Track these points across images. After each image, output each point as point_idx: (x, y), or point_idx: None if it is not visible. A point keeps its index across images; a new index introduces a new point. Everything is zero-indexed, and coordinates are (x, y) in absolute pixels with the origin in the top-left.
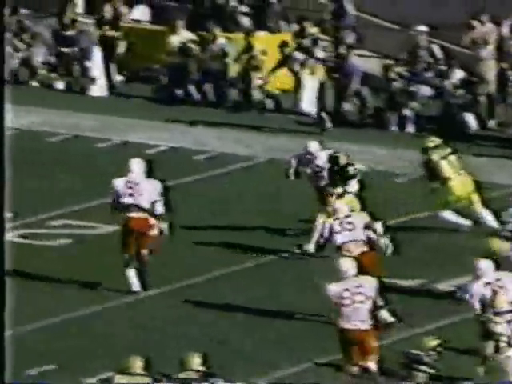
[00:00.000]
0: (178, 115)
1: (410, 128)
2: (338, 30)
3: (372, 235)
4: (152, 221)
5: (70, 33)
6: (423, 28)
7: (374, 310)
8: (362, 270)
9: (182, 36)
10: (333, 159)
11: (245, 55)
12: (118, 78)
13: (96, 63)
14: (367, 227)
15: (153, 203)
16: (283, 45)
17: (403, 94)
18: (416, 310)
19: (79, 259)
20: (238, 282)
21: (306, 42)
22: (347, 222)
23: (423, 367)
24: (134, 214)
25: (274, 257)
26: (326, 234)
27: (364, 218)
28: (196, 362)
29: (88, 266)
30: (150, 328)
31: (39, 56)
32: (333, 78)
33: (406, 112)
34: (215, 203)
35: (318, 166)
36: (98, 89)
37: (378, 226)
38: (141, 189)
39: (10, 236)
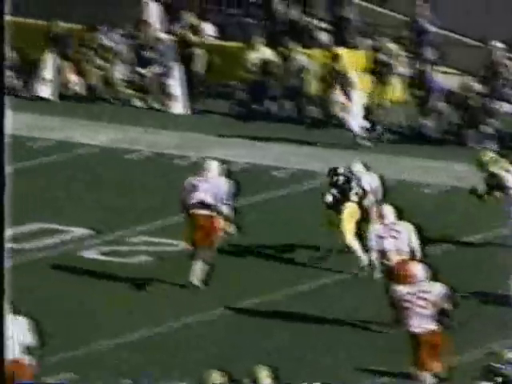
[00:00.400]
0: (256, 132)
1: (491, 145)
2: (418, 46)
3: (415, 247)
4: (217, 219)
5: (149, 50)
6: (500, 44)
7: (441, 314)
8: (399, 281)
9: (260, 53)
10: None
11: (324, 71)
12: (197, 94)
13: (176, 80)
14: (410, 239)
15: (221, 202)
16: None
17: (482, 110)
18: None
19: (159, 276)
20: (312, 299)
21: (383, 58)
22: (394, 229)
23: (504, 379)
24: (200, 211)
25: (346, 275)
26: (374, 240)
27: (409, 228)
28: (264, 374)
29: (167, 283)
30: (227, 343)
31: (119, 73)
32: (412, 95)
33: (486, 129)
34: (292, 220)
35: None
36: (178, 106)
37: (415, 244)
38: (210, 187)
39: (90, 253)
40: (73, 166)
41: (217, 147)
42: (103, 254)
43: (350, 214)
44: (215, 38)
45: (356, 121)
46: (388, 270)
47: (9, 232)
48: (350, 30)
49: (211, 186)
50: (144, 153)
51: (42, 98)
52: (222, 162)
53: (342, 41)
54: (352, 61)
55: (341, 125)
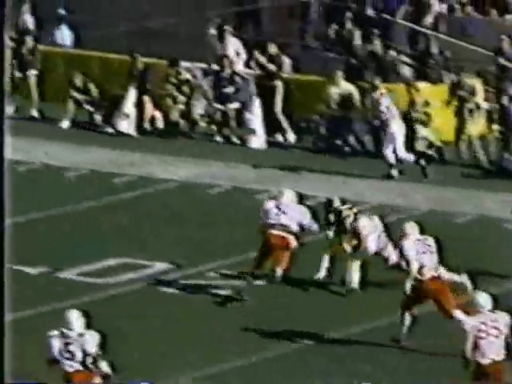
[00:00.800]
0: (337, 166)
1: None
2: (501, 81)
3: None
4: (292, 240)
5: (229, 85)
6: None
7: (507, 345)
8: (428, 296)
9: (341, 87)
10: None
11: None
12: (276, 128)
13: (255, 115)
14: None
15: (301, 226)
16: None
17: None
18: None
19: (238, 311)
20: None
21: (465, 93)
22: (427, 244)
23: None
24: (275, 231)
25: None
26: (413, 253)
27: (433, 243)
28: None
29: (246, 318)
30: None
31: (199, 108)
32: (493, 129)
33: None
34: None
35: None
36: (257, 140)
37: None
38: (288, 210)
39: (171, 288)
40: (154, 201)
41: (296, 181)
42: (184, 288)
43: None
44: (294, 71)
45: (389, 151)
46: (420, 285)
47: (92, 267)
48: (432, 64)
49: (289, 210)
50: (224, 187)
51: (122, 133)
52: (301, 196)
53: (423, 75)
54: (434, 95)
55: (424, 159)
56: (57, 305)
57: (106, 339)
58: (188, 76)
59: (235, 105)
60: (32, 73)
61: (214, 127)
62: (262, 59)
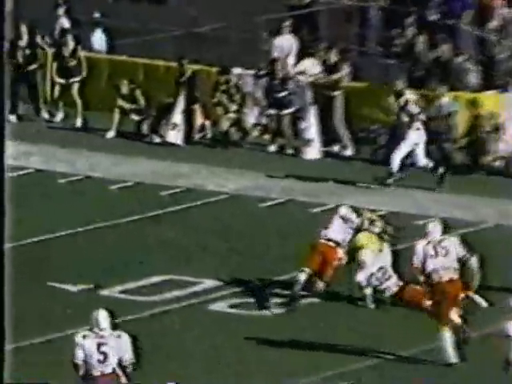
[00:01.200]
0: (397, 178)
1: None
2: None
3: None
4: (340, 253)
5: (283, 91)
6: None
7: None
8: (445, 297)
9: (403, 96)
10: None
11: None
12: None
13: (311, 124)
14: (460, 254)
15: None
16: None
17: None
18: None
19: (291, 329)
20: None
21: None
22: (441, 246)
23: None
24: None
25: None
26: (419, 259)
27: (457, 243)
28: None
29: (301, 337)
30: None
31: (251, 117)
32: None
33: None
34: None
35: None
36: (313, 151)
37: (474, 261)
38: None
39: (219, 306)
40: (202, 214)
41: (355, 194)
42: (232, 306)
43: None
44: (352, 78)
45: (398, 157)
46: (437, 287)
47: (135, 284)
48: (500, 71)
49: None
50: (277, 200)
51: (170, 143)
52: (357, 210)
53: (491, 82)
54: (502, 103)
55: (491, 171)
56: None
57: (151, 360)
58: (239, 83)
59: (290, 109)
60: (75, 80)
61: (266, 137)
62: (318, 67)
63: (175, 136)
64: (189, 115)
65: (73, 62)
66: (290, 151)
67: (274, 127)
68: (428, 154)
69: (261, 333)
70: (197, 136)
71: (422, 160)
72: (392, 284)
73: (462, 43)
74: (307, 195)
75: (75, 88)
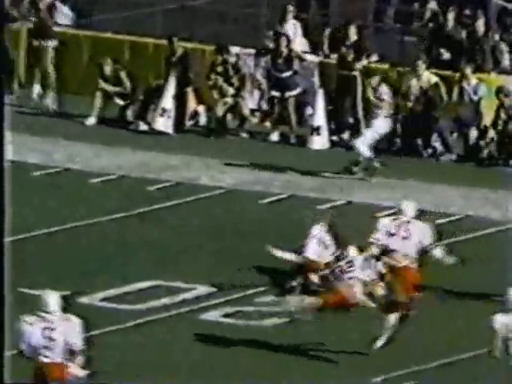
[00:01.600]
0: (415, 171)
1: None
2: None
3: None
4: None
5: (287, 73)
6: None
7: None
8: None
9: (424, 79)
10: None
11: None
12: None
13: (319, 110)
14: (424, 243)
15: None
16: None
17: None
18: None
19: (292, 341)
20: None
21: None
22: (405, 228)
23: None
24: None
25: None
26: (381, 236)
27: (425, 230)
28: None
29: (302, 348)
30: None
31: (250, 101)
32: None
33: None
34: (459, 271)
35: None
36: (320, 140)
37: (438, 253)
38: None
39: (211, 315)
40: (195, 212)
41: (364, 190)
42: (226, 315)
43: None
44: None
45: (364, 144)
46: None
47: (118, 291)
48: None
49: None
50: (279, 195)
51: (159, 132)
52: (371, 207)
53: None
54: None
55: None
56: None
57: (136, 375)
58: (238, 64)
59: (295, 91)
60: (50, 44)
61: (267, 124)
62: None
63: (164, 123)
64: (180, 100)
65: (48, 24)
66: (294, 140)
67: (276, 113)
68: (447, 145)
69: (258, 345)
70: (189, 123)
71: (366, 149)
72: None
73: (493, 20)
74: (313, 190)
75: (49, 54)
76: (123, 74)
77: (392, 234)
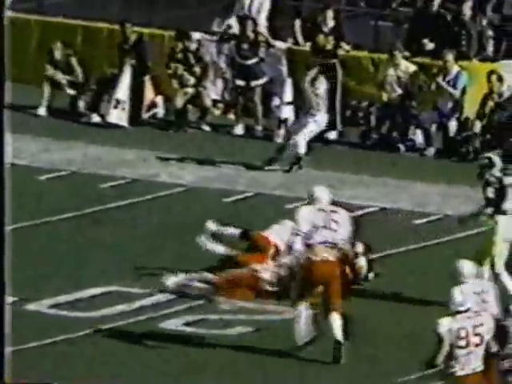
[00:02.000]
0: (390, 168)
1: None
2: None
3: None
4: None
5: (252, 59)
6: None
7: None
8: (317, 281)
9: (400, 68)
10: None
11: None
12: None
13: (287, 99)
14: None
15: None
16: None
17: None
18: None
19: (259, 351)
20: None
21: None
22: (332, 219)
23: None
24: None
25: None
26: (304, 229)
27: (347, 217)
28: None
29: (270, 359)
30: None
31: (212, 91)
32: None
33: None
34: (435, 278)
35: None
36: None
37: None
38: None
39: (171, 324)
40: (152, 211)
41: (339, 187)
42: (189, 324)
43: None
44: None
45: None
46: (309, 266)
47: (69, 297)
48: None
49: None
50: (244, 193)
51: (113, 125)
52: (348, 207)
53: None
54: None
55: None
56: (20, 347)
57: None
58: (199, 51)
59: (261, 80)
60: None
61: (231, 116)
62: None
63: (119, 115)
64: (136, 90)
65: None
66: (259, 134)
67: (240, 104)
68: (429, 138)
69: (223, 356)
70: (146, 115)
71: (302, 144)
72: None
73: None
74: (281, 188)
75: None
76: (74, 61)
77: (316, 227)
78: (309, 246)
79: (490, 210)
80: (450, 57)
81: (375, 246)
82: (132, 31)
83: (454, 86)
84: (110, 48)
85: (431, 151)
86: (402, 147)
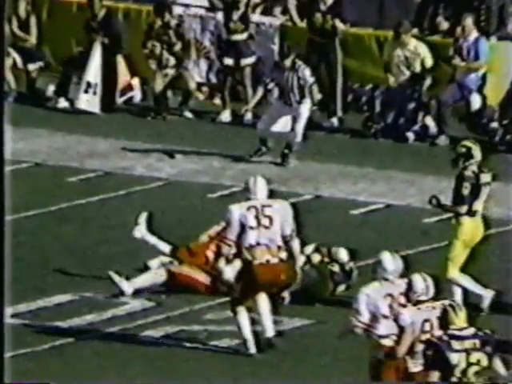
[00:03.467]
0: (397, 159)
1: None
2: None
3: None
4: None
5: (242, 35)
6: None
7: None
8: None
9: (409, 47)
10: None
11: None
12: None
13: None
14: (285, 231)
15: None
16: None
17: None
18: None
19: (250, 362)
20: None
21: None
22: (265, 214)
23: None
24: None
25: None
26: (236, 228)
27: (286, 211)
28: None
29: (267, 370)
30: None
31: (196, 73)
32: None
33: None
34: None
35: None
36: (282, 121)
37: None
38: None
39: (147, 336)
40: (128, 208)
41: (339, 182)
42: (167, 336)
43: None
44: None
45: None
46: (249, 269)
47: (33, 305)
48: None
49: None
50: (231, 189)
51: (82, 111)
52: (348, 203)
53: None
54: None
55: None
56: None
57: None
58: (180, 27)
59: (251, 59)
60: None
61: (217, 101)
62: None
63: (90, 100)
64: (109, 72)
65: None
66: (249, 121)
67: (227, 87)
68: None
69: (205, 371)
70: (120, 100)
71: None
72: None
73: None
74: (273, 182)
75: None
76: (34, 22)
77: (250, 226)
78: (248, 249)
79: (463, 209)
80: (469, 21)
81: (379, 248)
82: (101, 5)
83: (476, 55)
84: (78, 24)
85: (444, 140)
86: (410, 136)
